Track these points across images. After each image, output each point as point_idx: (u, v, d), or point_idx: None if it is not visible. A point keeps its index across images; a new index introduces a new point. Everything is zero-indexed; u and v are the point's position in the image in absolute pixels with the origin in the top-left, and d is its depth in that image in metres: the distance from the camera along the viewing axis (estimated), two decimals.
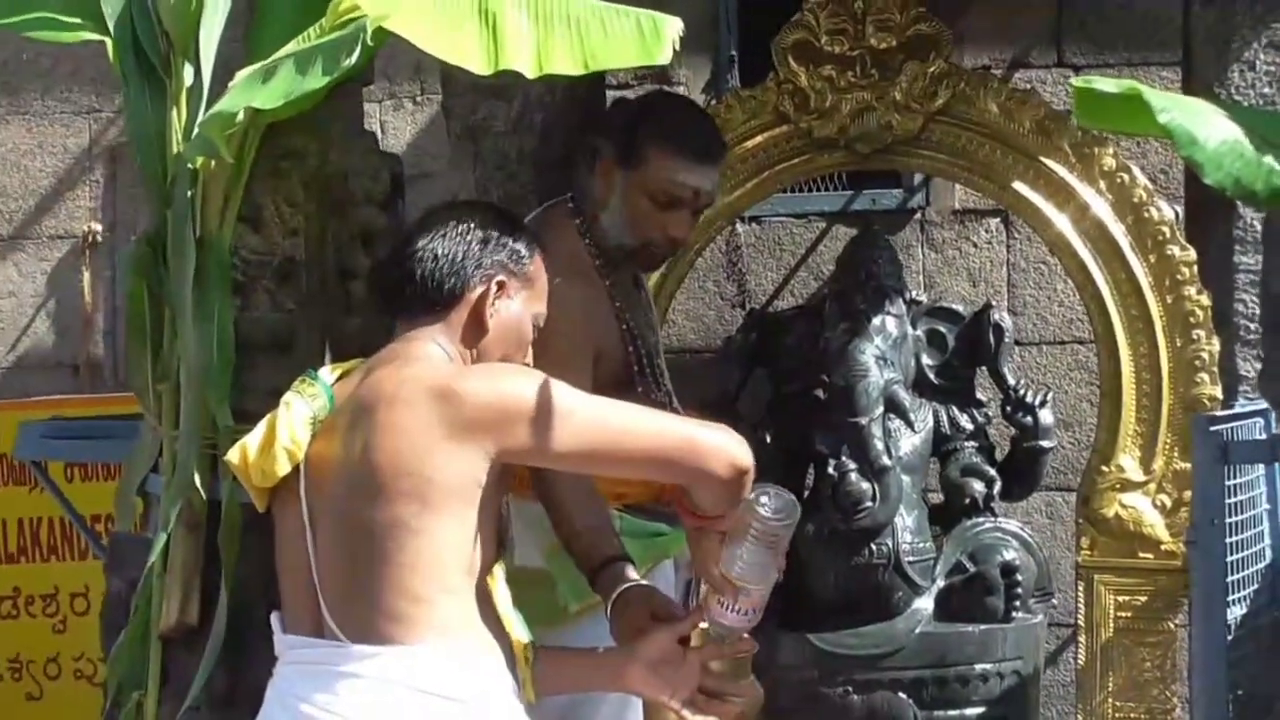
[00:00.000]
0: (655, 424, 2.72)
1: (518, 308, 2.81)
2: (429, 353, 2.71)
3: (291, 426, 2.67)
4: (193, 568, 3.20)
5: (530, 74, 2.78)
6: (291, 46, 2.92)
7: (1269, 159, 2.68)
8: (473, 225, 2.79)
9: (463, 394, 2.55)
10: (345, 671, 2.56)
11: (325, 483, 2.64)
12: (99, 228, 7.34)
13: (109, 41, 3.25)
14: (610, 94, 5.65)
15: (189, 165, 3.15)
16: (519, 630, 2.75)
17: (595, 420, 2.63)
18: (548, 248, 2.98)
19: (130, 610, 3.26)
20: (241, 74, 2.96)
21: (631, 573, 3.14)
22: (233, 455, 2.71)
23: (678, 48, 2.80)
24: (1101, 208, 4.31)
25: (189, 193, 3.16)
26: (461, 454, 2.55)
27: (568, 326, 3.24)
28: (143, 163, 3.23)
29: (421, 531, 2.54)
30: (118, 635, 3.28)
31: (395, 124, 6.73)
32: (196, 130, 3.09)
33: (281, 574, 2.74)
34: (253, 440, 2.69)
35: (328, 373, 2.78)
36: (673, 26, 2.80)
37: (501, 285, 2.78)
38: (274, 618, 2.75)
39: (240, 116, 2.97)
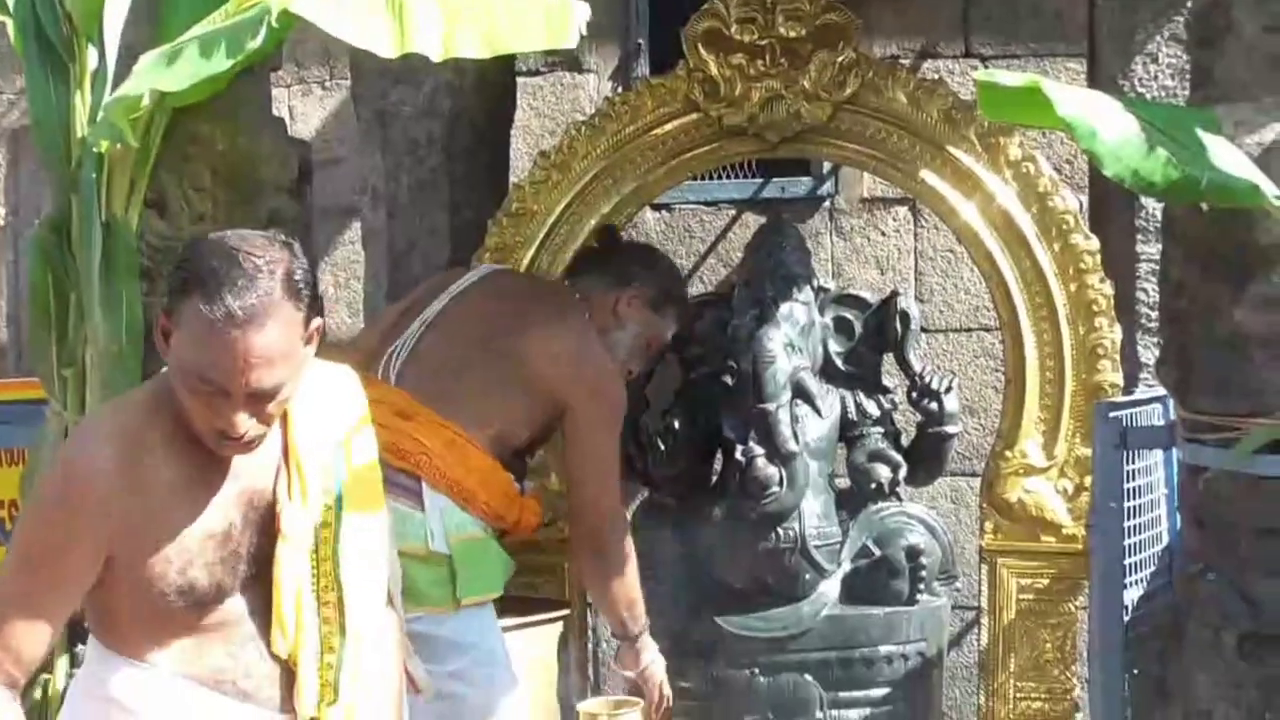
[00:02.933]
0: None
1: None
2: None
3: None
4: None
5: (436, 57, 2.79)
6: (197, 30, 2.91)
7: (1167, 151, 2.73)
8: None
9: None
10: None
11: None
12: (1, 212, 7.26)
13: (9, 22, 3.21)
14: (520, 80, 5.66)
15: (94, 149, 3.13)
16: None
17: None
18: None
19: None
20: (146, 57, 2.95)
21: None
22: None
23: (584, 32, 2.82)
24: (1007, 197, 4.36)
25: (94, 177, 3.14)
26: None
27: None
28: (45, 147, 3.21)
29: None
30: None
31: (304, 109, 6.69)
32: (101, 114, 3.07)
33: None
34: None
35: None
36: (580, 11, 2.82)
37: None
38: None
39: (146, 100, 2.95)
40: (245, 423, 2.47)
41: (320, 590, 2.63)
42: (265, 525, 2.60)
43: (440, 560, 3.67)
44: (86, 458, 2.51)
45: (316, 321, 2.54)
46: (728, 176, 6.23)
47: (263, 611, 2.60)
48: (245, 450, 2.52)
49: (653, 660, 4.01)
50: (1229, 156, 2.80)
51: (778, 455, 4.34)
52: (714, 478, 4.67)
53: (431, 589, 3.65)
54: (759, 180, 6.25)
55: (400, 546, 3.55)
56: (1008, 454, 4.35)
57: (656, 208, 6.12)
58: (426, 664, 3.38)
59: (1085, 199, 4.94)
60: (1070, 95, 2.79)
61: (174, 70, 2.85)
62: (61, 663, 3.25)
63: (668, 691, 4.04)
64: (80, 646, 3.21)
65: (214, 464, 2.55)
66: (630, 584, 3.94)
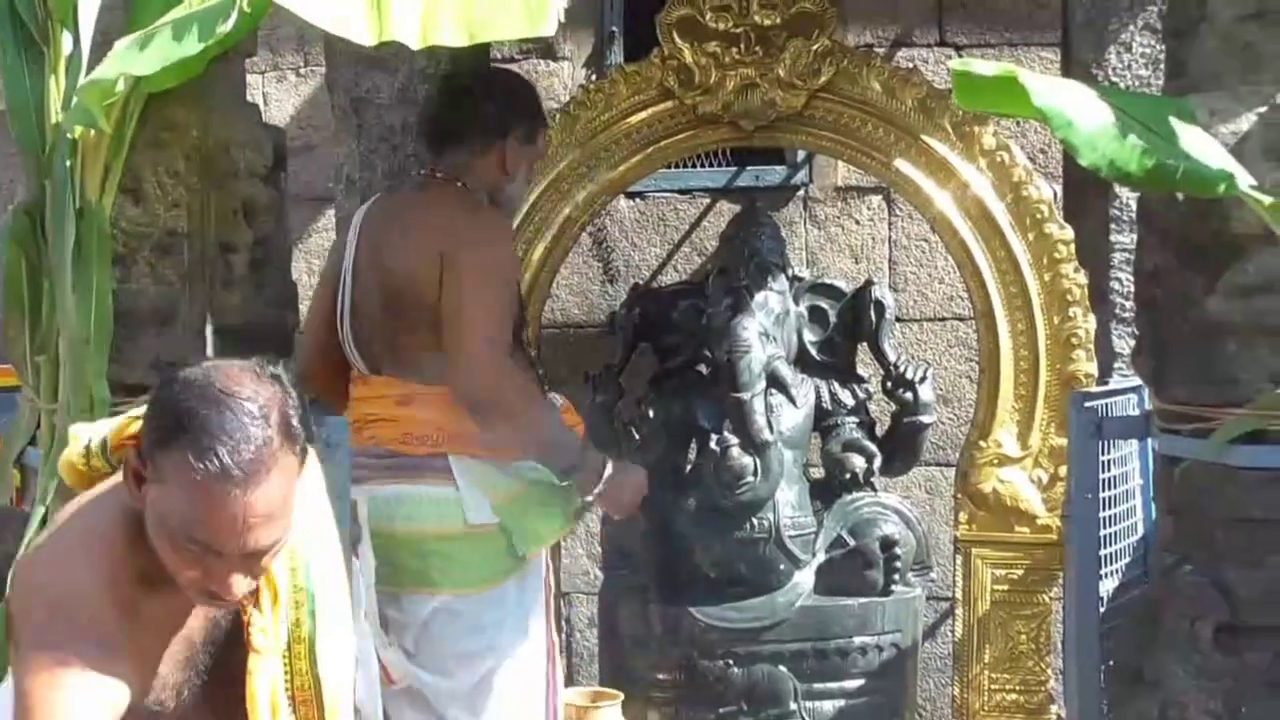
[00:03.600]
0: None
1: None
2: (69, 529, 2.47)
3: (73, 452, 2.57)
4: None
5: (415, 46, 2.78)
6: (170, 15, 2.90)
7: (1142, 140, 2.73)
8: None
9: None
10: None
11: None
12: None
13: None
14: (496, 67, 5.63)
15: (68, 135, 3.11)
16: None
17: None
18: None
19: (6, 584, 3.22)
20: (120, 43, 2.93)
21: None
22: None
23: (562, 19, 2.81)
24: (982, 186, 4.37)
25: (68, 163, 3.12)
26: None
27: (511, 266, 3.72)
28: (20, 132, 3.18)
29: None
30: None
31: (278, 96, 6.66)
32: (75, 99, 3.05)
33: None
34: None
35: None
36: None
37: None
38: None
39: (120, 85, 2.93)
40: (240, 583, 2.24)
41: (295, 690, 2.44)
42: (231, 637, 2.42)
43: (485, 532, 3.68)
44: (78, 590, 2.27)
45: (309, 455, 2.31)
46: (702, 165, 6.22)
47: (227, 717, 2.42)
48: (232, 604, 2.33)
49: (609, 476, 3.81)
50: (1204, 146, 2.81)
51: (752, 445, 4.34)
52: (688, 467, 4.67)
53: (483, 564, 3.68)
54: (733, 168, 6.24)
55: (437, 529, 3.57)
56: (982, 444, 4.36)
57: (631, 196, 6.11)
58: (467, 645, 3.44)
59: (1059, 188, 4.95)
60: (1046, 85, 2.79)
61: (146, 55, 2.84)
62: None
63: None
64: None
65: (177, 593, 2.32)
66: (534, 438, 3.72)
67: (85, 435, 2.45)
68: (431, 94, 4.19)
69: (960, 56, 5.91)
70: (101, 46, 3.06)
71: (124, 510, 2.30)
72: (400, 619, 3.71)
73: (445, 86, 4.08)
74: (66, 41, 3.15)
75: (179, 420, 2.18)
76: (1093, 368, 4.31)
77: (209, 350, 3.28)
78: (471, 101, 3.86)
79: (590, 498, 3.83)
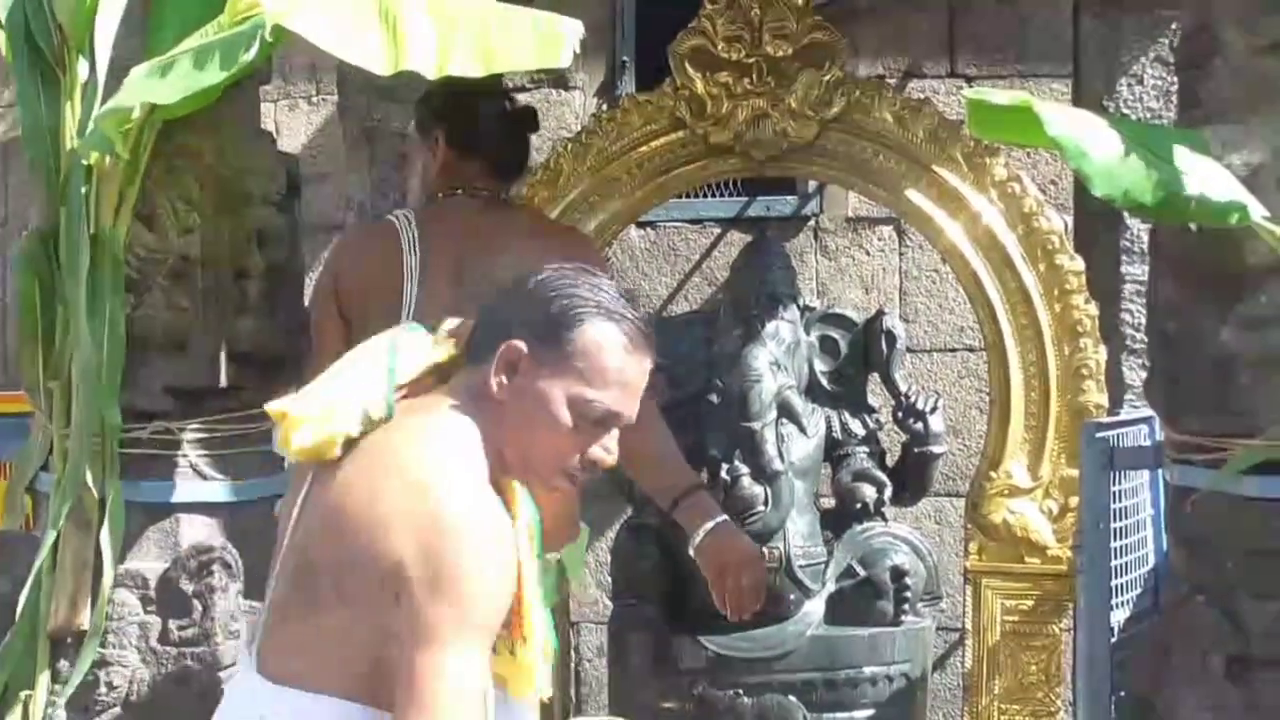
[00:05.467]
0: None
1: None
2: (454, 446, 2.32)
3: (347, 426, 2.35)
4: (82, 566, 3.17)
5: (431, 76, 2.79)
6: (189, 43, 2.91)
7: (1155, 171, 2.73)
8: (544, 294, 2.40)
9: (440, 574, 2.18)
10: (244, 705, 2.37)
11: (326, 484, 2.35)
12: None
13: (1, 34, 3.20)
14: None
15: (83, 161, 3.12)
16: None
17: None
18: None
19: (17, 610, 3.22)
20: (138, 70, 2.94)
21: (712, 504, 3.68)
22: (277, 406, 2.39)
23: (578, 50, 2.82)
24: (993, 217, 4.36)
25: (83, 189, 3.13)
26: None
27: None
28: (34, 158, 3.19)
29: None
30: (4, 635, 3.24)
31: (290, 124, 6.68)
32: (91, 126, 3.06)
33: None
34: (309, 405, 2.38)
35: (402, 370, 2.42)
36: (573, 30, 2.82)
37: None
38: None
39: (136, 112, 2.94)
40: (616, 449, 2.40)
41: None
42: None
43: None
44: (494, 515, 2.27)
45: None
46: (713, 194, 6.23)
47: None
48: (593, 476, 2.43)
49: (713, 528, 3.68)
50: (1217, 177, 2.81)
51: (763, 474, 4.34)
52: None
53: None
54: (744, 198, 6.25)
55: None
56: (992, 475, 4.35)
57: (641, 225, 6.12)
58: None
59: (1070, 220, 4.95)
60: (1060, 114, 2.79)
61: (166, 82, 2.84)
62: (43, 679, 3.22)
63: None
64: (63, 661, 3.19)
65: None
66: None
67: (354, 410, 2.36)
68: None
69: (971, 87, 5.92)
70: (117, 73, 3.07)
71: (469, 436, 2.33)
72: None
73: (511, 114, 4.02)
74: (82, 68, 3.16)
75: (584, 300, 2.33)
76: (1104, 399, 4.30)
77: (222, 377, 3.29)
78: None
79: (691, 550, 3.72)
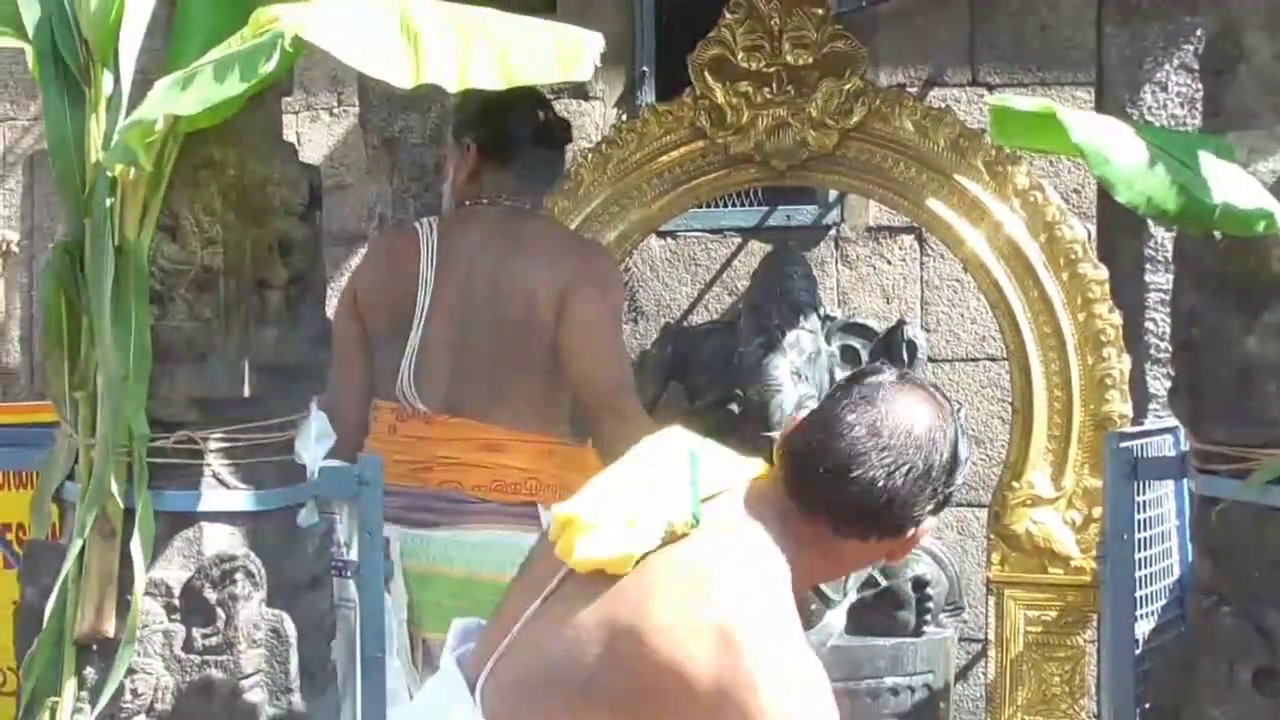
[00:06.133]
0: None
1: None
2: (763, 573, 2.25)
3: (648, 542, 2.24)
4: (108, 575, 3.18)
5: (452, 88, 2.79)
6: (211, 55, 2.91)
7: (1179, 178, 2.72)
8: (938, 461, 2.32)
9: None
10: None
11: (591, 587, 2.25)
12: (16, 236, 7.27)
13: (28, 48, 3.21)
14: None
15: (108, 173, 3.12)
16: None
17: None
18: None
19: (44, 618, 3.23)
20: (161, 82, 2.94)
21: None
22: (565, 510, 2.30)
23: (598, 63, 2.82)
24: (1015, 225, 4.36)
25: (108, 201, 3.14)
26: None
27: None
28: (60, 171, 3.19)
29: None
30: (31, 643, 3.25)
31: (312, 135, 6.69)
32: (116, 138, 3.06)
33: (496, 609, 2.42)
34: (606, 518, 2.27)
35: (710, 476, 2.34)
36: (594, 42, 2.81)
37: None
38: (456, 625, 2.52)
39: (160, 124, 2.95)
40: None
41: None
42: None
43: None
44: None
45: None
46: (733, 204, 6.23)
47: None
48: None
49: None
50: (1242, 184, 2.80)
51: None
52: None
53: None
54: (765, 208, 6.25)
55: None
56: (1015, 485, 4.34)
57: (662, 235, 6.11)
58: None
59: (1093, 228, 4.94)
60: (1083, 121, 2.78)
61: (189, 94, 2.85)
62: (69, 687, 3.23)
63: None
64: (88, 669, 3.20)
65: None
66: None
67: (657, 522, 2.26)
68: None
69: (994, 95, 5.92)
70: (141, 86, 3.07)
71: (779, 570, 2.26)
72: None
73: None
74: (107, 81, 3.17)
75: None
76: (1127, 408, 4.29)
77: (246, 387, 3.29)
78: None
79: None
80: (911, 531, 2.29)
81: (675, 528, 2.23)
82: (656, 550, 2.21)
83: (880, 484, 2.21)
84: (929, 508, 2.28)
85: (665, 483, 2.29)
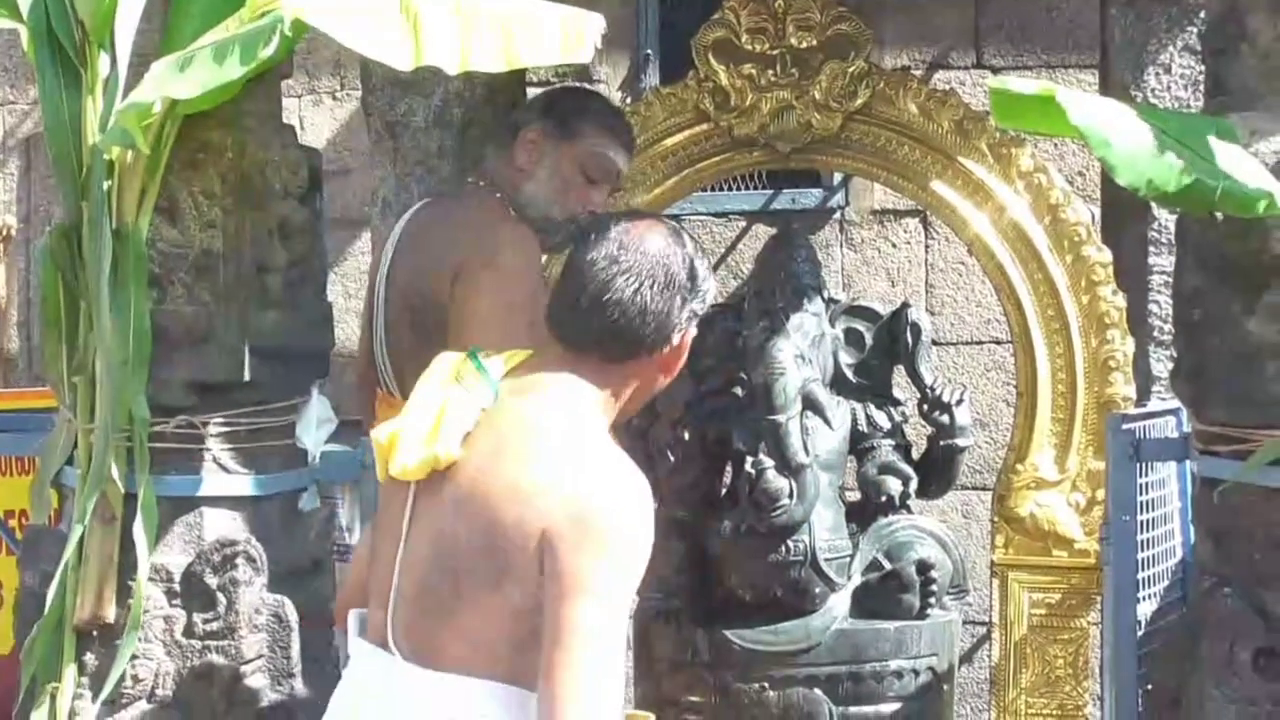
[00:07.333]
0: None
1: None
2: (580, 415, 2.39)
3: (452, 435, 2.37)
4: (108, 560, 3.18)
5: (452, 71, 2.79)
6: (209, 37, 2.91)
7: (1181, 160, 2.71)
8: (679, 272, 2.43)
9: (590, 531, 2.25)
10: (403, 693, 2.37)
11: (437, 490, 2.38)
12: (13, 220, 7.26)
13: (23, 31, 3.21)
14: (530, 91, 5.65)
15: (105, 156, 3.12)
16: None
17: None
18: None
19: (45, 603, 3.23)
20: (159, 64, 2.94)
21: None
22: (380, 436, 2.42)
23: (600, 46, 2.81)
24: (1019, 208, 4.35)
25: (105, 184, 3.13)
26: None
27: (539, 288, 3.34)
28: (57, 154, 3.19)
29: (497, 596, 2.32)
30: (31, 629, 3.25)
31: (314, 119, 6.69)
32: (113, 120, 3.06)
33: (371, 566, 2.51)
34: (411, 428, 2.40)
35: (496, 364, 2.47)
36: (595, 25, 2.81)
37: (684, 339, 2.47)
38: (352, 615, 2.56)
39: (157, 107, 2.94)
40: None
41: None
42: None
43: None
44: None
45: None
46: (738, 187, 6.22)
47: None
48: None
49: None
50: (1244, 165, 2.79)
51: (788, 467, 4.32)
52: (724, 490, 4.65)
53: None
54: (769, 191, 6.25)
55: None
56: (1019, 467, 4.34)
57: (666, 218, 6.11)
58: None
59: (1097, 211, 4.93)
60: (1084, 103, 2.77)
61: (186, 77, 2.85)
62: (69, 672, 3.23)
63: None
64: (88, 655, 3.20)
65: None
66: None
67: (464, 414, 2.42)
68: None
69: (996, 78, 5.91)
70: (138, 69, 3.07)
71: (588, 399, 2.41)
72: None
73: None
74: (104, 63, 3.16)
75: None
76: (1131, 391, 4.28)
77: (245, 372, 3.29)
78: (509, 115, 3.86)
79: None
80: (678, 339, 2.44)
81: (483, 406, 2.40)
82: (474, 430, 2.37)
83: (632, 302, 2.39)
84: (685, 315, 2.43)
85: (456, 376, 2.46)
